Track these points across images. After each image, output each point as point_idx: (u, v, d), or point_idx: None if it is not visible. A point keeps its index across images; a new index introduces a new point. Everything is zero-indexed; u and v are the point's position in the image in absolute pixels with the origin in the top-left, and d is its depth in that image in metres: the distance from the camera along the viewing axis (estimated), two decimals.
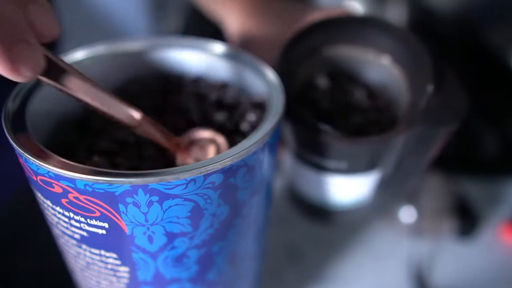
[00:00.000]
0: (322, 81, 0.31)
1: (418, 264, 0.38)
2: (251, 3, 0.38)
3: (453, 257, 0.39)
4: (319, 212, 0.37)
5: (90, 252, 0.21)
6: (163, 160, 0.24)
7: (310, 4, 0.37)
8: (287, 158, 0.32)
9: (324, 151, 0.27)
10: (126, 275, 0.22)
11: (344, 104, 0.31)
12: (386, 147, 0.27)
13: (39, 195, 0.20)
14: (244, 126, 0.26)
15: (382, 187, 0.33)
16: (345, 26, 0.30)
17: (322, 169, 0.30)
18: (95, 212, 0.19)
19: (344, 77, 0.32)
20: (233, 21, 0.38)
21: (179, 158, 0.23)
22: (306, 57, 0.31)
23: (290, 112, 0.25)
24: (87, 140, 0.24)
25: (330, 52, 0.31)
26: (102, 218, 0.19)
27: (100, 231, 0.20)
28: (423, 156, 0.30)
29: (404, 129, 0.26)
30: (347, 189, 0.32)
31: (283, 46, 0.29)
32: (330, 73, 0.32)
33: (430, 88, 0.26)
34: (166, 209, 0.19)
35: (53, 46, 0.41)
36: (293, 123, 0.27)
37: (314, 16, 0.35)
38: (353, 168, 0.29)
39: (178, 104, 0.27)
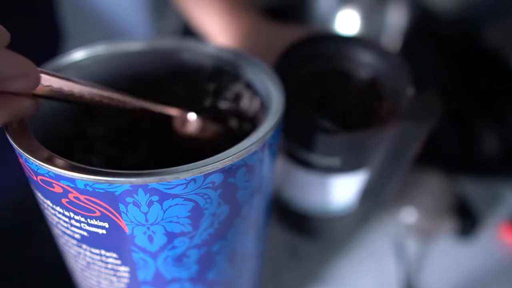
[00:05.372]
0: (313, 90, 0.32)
1: (407, 264, 0.38)
2: (230, 17, 0.41)
3: (453, 257, 0.39)
4: (303, 224, 0.37)
5: (90, 252, 0.21)
6: (161, 159, 0.24)
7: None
8: (277, 163, 0.33)
9: (320, 146, 0.29)
10: (126, 275, 0.22)
11: (334, 103, 0.32)
12: (377, 141, 0.29)
13: (39, 195, 0.20)
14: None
15: (368, 190, 0.34)
16: (330, 43, 0.33)
17: (314, 168, 0.30)
18: (95, 212, 0.19)
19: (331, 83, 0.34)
20: (215, 34, 0.41)
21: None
22: (295, 70, 0.32)
23: (288, 108, 0.26)
24: (85, 140, 0.24)
25: (317, 66, 0.33)
26: (102, 218, 0.19)
27: (100, 231, 0.20)
28: (405, 154, 0.32)
29: (394, 122, 0.29)
30: (336, 190, 0.32)
31: (277, 57, 0.31)
32: (318, 81, 0.33)
33: (410, 91, 0.29)
34: (166, 209, 0.19)
35: (55, 46, 0.41)
36: (291, 118, 0.27)
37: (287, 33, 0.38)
38: (345, 165, 0.30)
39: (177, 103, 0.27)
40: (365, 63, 0.33)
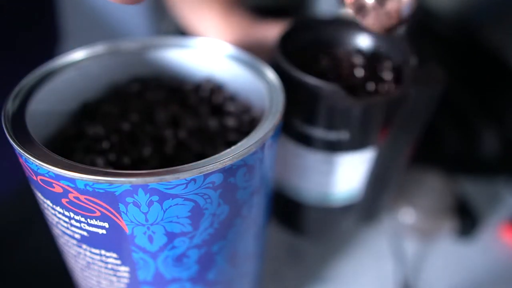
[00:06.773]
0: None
1: (406, 265, 0.38)
2: (225, 19, 0.42)
3: (452, 257, 0.39)
4: (303, 225, 0.37)
5: (90, 252, 0.21)
6: (161, 159, 0.24)
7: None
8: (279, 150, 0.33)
9: (328, 118, 0.28)
10: (126, 275, 0.22)
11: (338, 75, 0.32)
12: (386, 110, 0.29)
13: (39, 195, 0.20)
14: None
15: (373, 175, 0.33)
16: (329, 27, 0.34)
17: (319, 147, 0.30)
18: (95, 212, 0.19)
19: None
20: (209, 33, 0.42)
21: None
22: (293, 56, 0.32)
23: (294, 81, 0.26)
24: (85, 140, 0.24)
25: (314, 51, 0.33)
26: (102, 218, 0.19)
27: (100, 231, 0.20)
28: (411, 131, 0.32)
29: (401, 89, 0.29)
30: (341, 171, 0.32)
31: (277, 41, 0.30)
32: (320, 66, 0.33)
33: (413, 60, 0.30)
34: (166, 209, 0.19)
35: (55, 46, 0.41)
36: (296, 91, 0.27)
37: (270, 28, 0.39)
38: (353, 139, 0.30)
39: (178, 102, 0.27)
40: (362, 43, 0.33)
